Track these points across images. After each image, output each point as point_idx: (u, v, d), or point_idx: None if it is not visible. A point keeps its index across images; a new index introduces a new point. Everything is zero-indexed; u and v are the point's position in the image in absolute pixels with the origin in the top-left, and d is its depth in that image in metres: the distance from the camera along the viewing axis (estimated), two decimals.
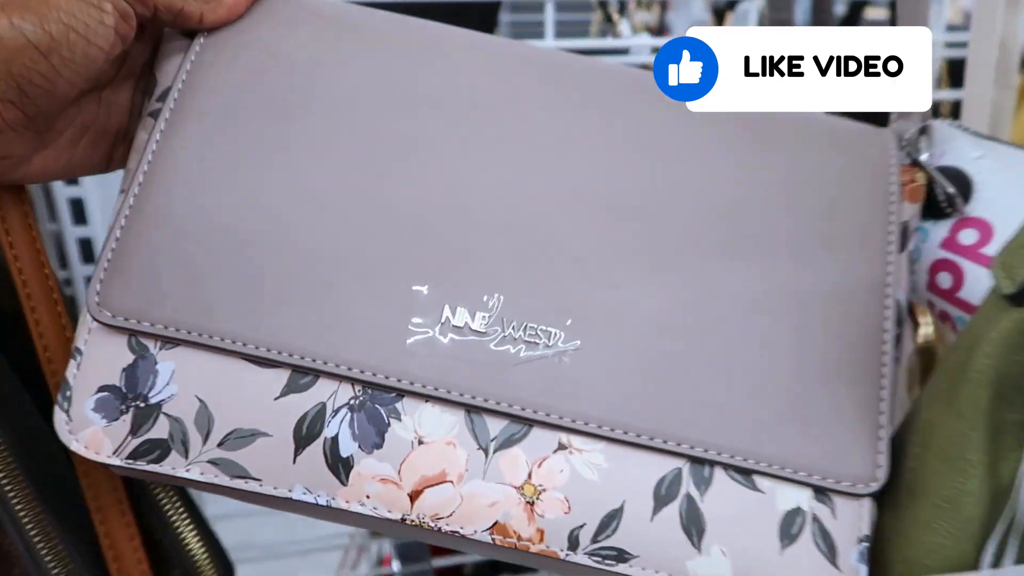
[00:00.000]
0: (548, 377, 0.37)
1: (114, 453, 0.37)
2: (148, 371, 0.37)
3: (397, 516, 0.37)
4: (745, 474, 0.37)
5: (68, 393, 0.37)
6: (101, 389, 0.37)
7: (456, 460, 0.37)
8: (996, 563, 0.35)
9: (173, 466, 0.37)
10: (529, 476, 0.37)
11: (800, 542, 0.37)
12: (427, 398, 0.37)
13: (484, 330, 0.37)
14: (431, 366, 0.37)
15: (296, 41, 0.41)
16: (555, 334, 0.38)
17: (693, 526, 0.37)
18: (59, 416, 0.37)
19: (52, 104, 0.38)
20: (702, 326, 0.38)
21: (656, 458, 0.37)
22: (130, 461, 0.37)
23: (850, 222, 0.40)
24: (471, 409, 0.37)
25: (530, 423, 0.37)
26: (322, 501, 0.37)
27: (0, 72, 0.35)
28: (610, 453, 0.37)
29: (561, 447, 0.37)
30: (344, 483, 0.37)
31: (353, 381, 0.37)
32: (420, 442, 0.37)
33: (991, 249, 0.42)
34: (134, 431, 0.37)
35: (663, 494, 0.37)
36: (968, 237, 0.43)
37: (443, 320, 0.37)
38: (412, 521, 0.37)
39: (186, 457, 0.37)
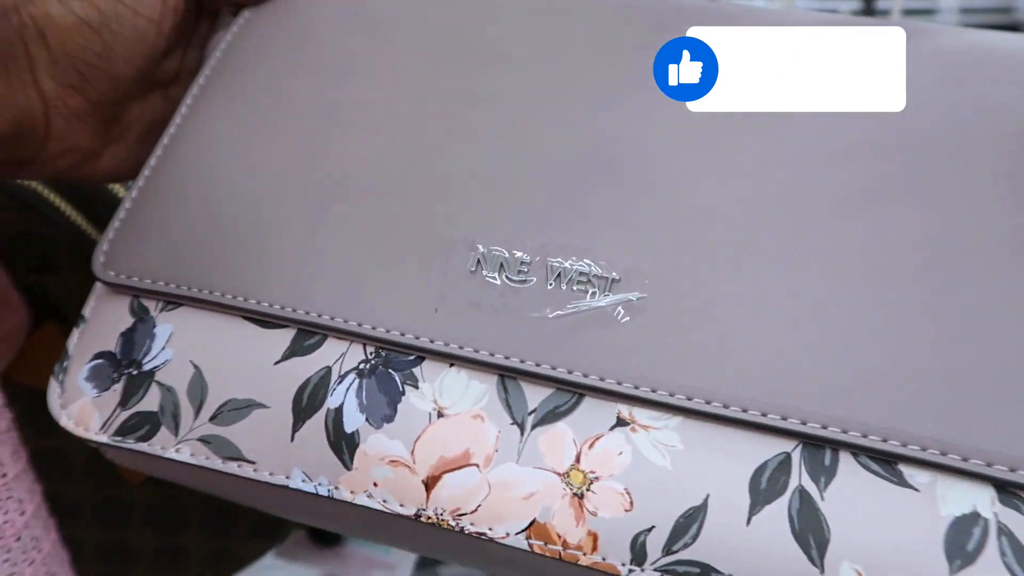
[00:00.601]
0: (605, 333, 0.29)
1: (101, 428, 0.32)
2: (145, 335, 0.33)
3: (411, 511, 0.29)
4: (887, 462, 0.26)
5: (65, 363, 0.33)
6: (96, 356, 0.33)
7: (484, 437, 0.29)
8: None
9: (163, 445, 0.31)
10: (577, 460, 0.28)
11: (980, 563, 0.25)
12: (452, 360, 0.30)
13: (523, 278, 0.30)
14: (457, 320, 0.30)
15: (339, 9, 0.38)
16: (612, 281, 0.29)
17: (810, 534, 0.26)
18: (53, 389, 0.33)
19: (113, 89, 0.36)
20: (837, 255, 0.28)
21: (753, 437, 0.27)
22: (117, 438, 0.32)
23: None
24: (506, 373, 0.29)
25: (580, 390, 0.29)
26: (323, 490, 0.30)
27: (58, 54, 0.35)
28: (688, 431, 0.28)
29: (621, 423, 0.28)
30: (348, 466, 0.29)
31: (365, 340, 0.31)
32: (440, 414, 0.29)
33: None
34: (124, 402, 0.32)
35: (763, 487, 0.26)
36: None
37: (473, 267, 0.30)
38: (428, 518, 0.28)
39: (176, 434, 0.31)
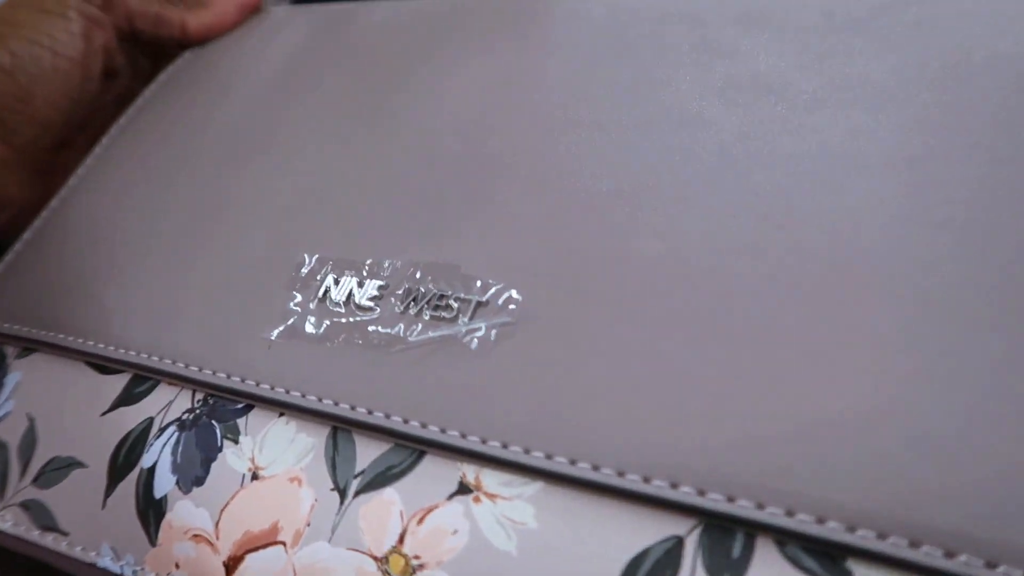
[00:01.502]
0: (454, 371, 0.22)
1: None
2: None
3: None
4: (827, 555, 0.17)
5: None
6: None
7: (296, 507, 0.22)
8: None
9: None
10: (401, 539, 0.20)
11: None
12: (281, 408, 0.24)
13: (374, 304, 0.24)
14: (290, 358, 0.24)
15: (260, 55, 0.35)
16: (476, 305, 0.22)
17: None
18: None
19: (39, 134, 0.35)
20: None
21: (634, 514, 0.19)
22: None
23: None
24: (339, 425, 0.23)
25: (420, 445, 0.21)
26: (128, 571, 0.24)
27: None
28: (547, 503, 0.19)
29: (463, 489, 0.20)
30: (153, 541, 0.23)
31: (194, 386, 0.25)
32: (255, 475, 0.23)
33: None
34: None
35: None
36: None
37: (318, 294, 0.25)
38: None
39: (1, 497, 0.27)
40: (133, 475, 0.24)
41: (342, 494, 0.21)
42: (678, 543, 0.18)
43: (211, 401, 0.25)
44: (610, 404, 0.19)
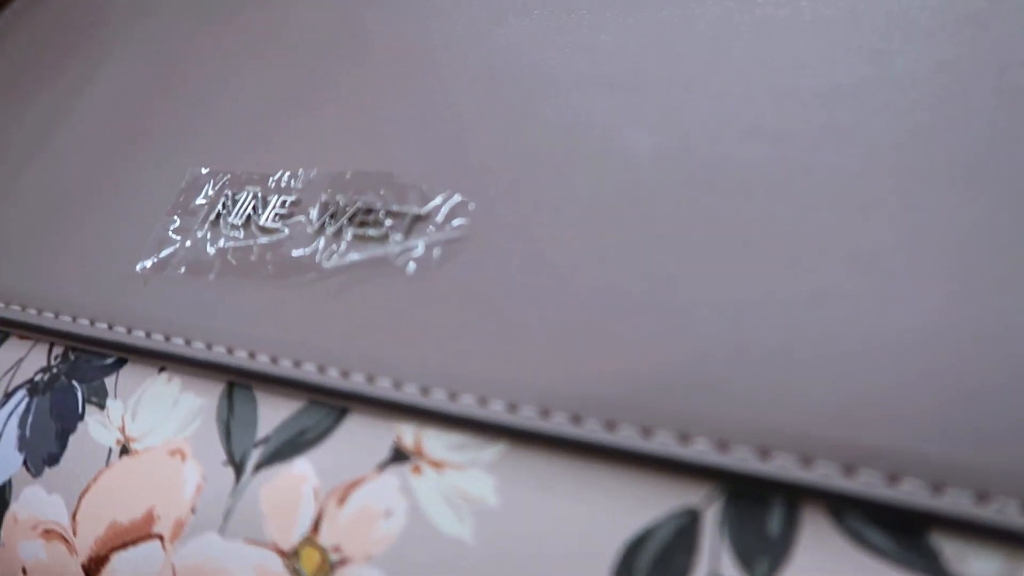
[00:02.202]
0: (384, 298, 0.16)
1: None
2: None
3: None
4: (904, 529, 0.12)
5: None
6: None
7: (178, 488, 0.16)
8: None
9: None
10: (316, 527, 0.15)
11: None
12: (161, 362, 0.18)
13: (282, 225, 0.18)
14: (175, 296, 0.18)
15: None
16: (413, 219, 0.17)
17: None
18: None
19: None
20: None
21: (630, 481, 0.14)
22: None
23: None
24: (237, 379, 0.17)
25: (343, 400, 0.16)
26: None
27: None
28: (511, 471, 0.14)
29: (399, 456, 0.15)
30: None
31: (52, 337, 0.19)
32: (125, 449, 0.17)
33: None
34: None
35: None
36: None
37: (211, 217, 0.19)
38: None
39: None
40: None
41: (238, 469, 0.16)
42: (692, 519, 0.13)
43: (72, 357, 0.19)
44: (592, 338, 0.14)
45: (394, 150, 0.18)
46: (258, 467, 0.16)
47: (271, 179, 0.19)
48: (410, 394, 0.15)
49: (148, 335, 0.18)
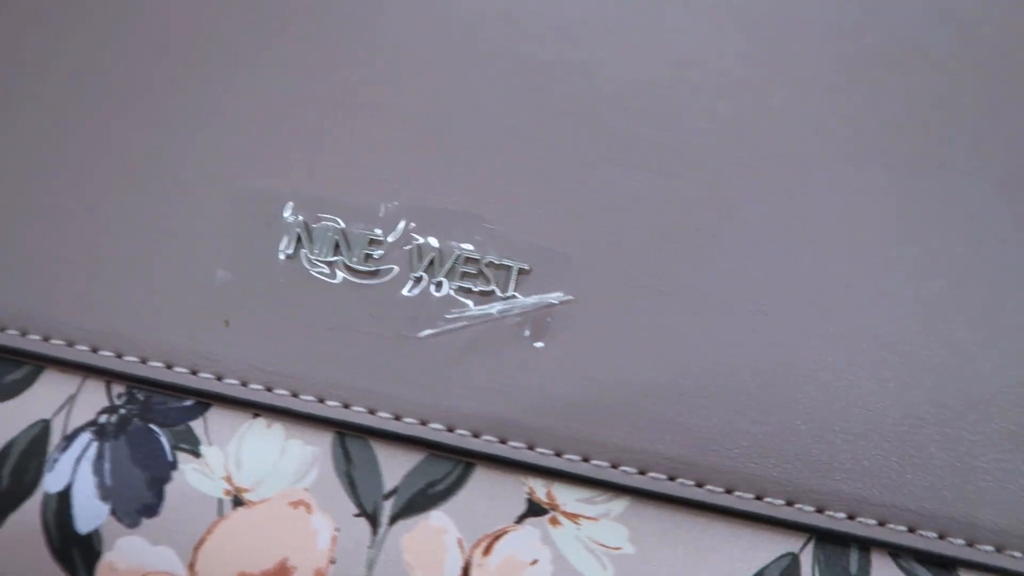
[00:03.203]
0: (507, 363, 0.18)
1: None
2: None
3: None
4: (946, 566, 0.17)
5: None
6: None
7: (311, 540, 0.17)
8: None
9: None
10: (465, 574, 0.17)
11: None
12: (255, 409, 0.18)
13: (373, 267, 0.18)
14: (263, 338, 0.18)
15: None
16: (517, 273, 0.18)
17: None
18: None
19: None
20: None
21: (739, 531, 0.17)
22: None
23: None
24: (345, 430, 0.18)
25: (468, 457, 0.18)
26: None
27: None
28: (640, 522, 0.17)
29: (534, 509, 0.18)
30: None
31: (109, 376, 0.18)
32: (238, 500, 0.18)
33: None
34: None
35: None
36: None
37: (289, 248, 0.18)
38: None
39: None
40: (32, 503, 0.18)
41: (372, 520, 0.17)
42: (794, 560, 0.17)
43: (141, 397, 0.18)
44: (720, 409, 0.17)
45: (484, 188, 0.19)
46: (394, 519, 0.17)
47: (354, 210, 0.19)
48: (544, 455, 0.17)
49: (245, 384, 0.18)
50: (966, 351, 0.17)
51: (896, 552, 0.17)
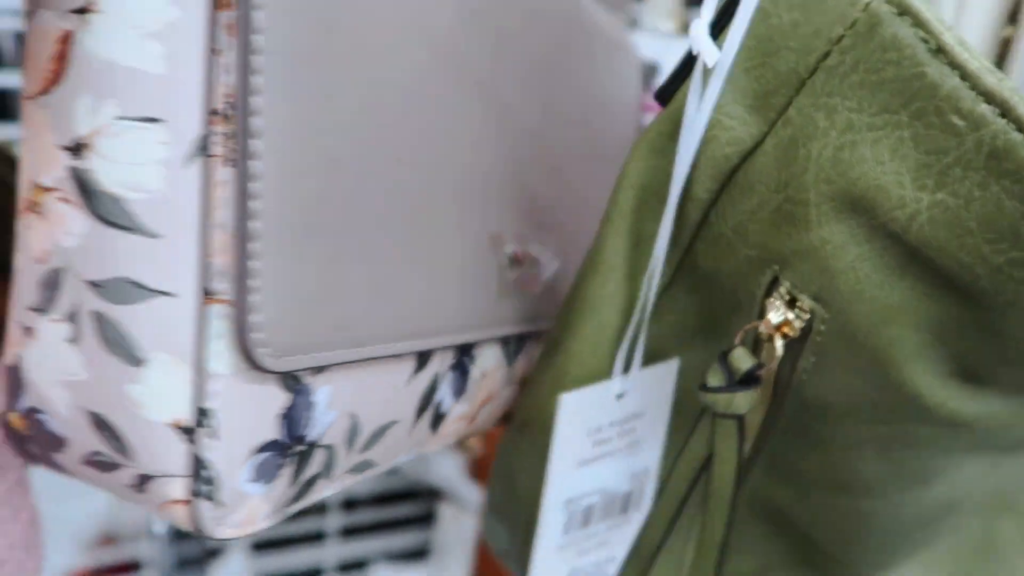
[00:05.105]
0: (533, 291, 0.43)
1: (269, 515, 0.28)
2: (305, 407, 0.28)
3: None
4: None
5: (209, 474, 0.25)
6: (259, 450, 0.27)
7: (496, 380, 0.41)
8: (626, 369, 0.33)
9: (318, 493, 0.31)
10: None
11: None
12: (494, 340, 0.39)
13: (511, 260, 0.40)
14: (506, 308, 0.38)
15: None
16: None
17: None
18: (199, 510, 0.25)
19: None
20: None
21: None
22: (279, 516, 0.29)
23: None
24: (508, 340, 0.40)
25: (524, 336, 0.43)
26: (411, 455, 0.37)
27: None
28: None
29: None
30: (434, 432, 0.37)
31: (456, 346, 0.36)
32: (483, 375, 0.39)
33: None
34: (292, 481, 0.28)
35: None
36: None
37: (505, 259, 0.38)
38: None
39: (330, 478, 0.31)
40: (429, 409, 0.35)
41: (510, 361, 0.42)
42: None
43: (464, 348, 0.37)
44: None
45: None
46: (514, 358, 0.42)
47: (518, 230, 0.39)
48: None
49: (496, 330, 0.39)
50: None
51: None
